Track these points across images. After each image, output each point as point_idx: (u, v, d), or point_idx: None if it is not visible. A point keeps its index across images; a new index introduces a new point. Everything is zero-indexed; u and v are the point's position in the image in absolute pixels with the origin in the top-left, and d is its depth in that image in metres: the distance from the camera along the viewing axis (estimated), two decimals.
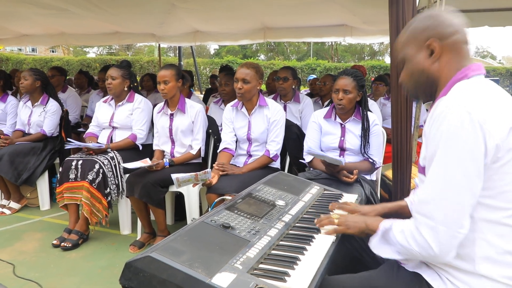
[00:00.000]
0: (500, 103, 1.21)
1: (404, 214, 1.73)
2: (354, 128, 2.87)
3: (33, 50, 34.12)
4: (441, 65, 1.33)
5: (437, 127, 1.19)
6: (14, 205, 4.09)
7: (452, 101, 1.19)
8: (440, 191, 1.18)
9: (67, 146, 3.48)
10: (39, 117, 4.16)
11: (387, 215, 1.77)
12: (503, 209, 1.19)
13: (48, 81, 4.28)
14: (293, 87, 4.14)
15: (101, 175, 3.28)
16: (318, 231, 1.57)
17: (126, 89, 3.63)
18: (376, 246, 1.37)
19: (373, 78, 6.09)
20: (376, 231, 1.40)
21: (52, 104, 4.18)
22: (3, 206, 4.08)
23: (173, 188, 3.18)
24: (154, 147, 3.50)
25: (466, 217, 1.17)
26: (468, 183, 1.15)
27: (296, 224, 1.64)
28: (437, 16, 1.34)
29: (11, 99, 4.52)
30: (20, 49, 30.37)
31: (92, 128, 3.80)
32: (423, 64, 1.35)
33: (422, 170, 1.33)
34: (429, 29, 1.33)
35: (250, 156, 3.15)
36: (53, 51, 34.21)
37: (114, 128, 3.67)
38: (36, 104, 4.19)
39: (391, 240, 1.32)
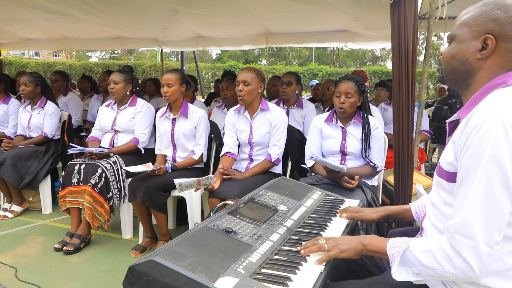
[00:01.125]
0: None
1: (406, 217, 1.71)
2: (355, 131, 2.88)
3: (36, 54, 34.24)
4: (486, 65, 1.25)
5: (478, 140, 1.12)
6: (16, 208, 4.10)
7: (494, 112, 1.12)
8: (483, 210, 1.11)
9: (70, 151, 3.49)
10: (38, 120, 4.19)
11: (389, 217, 1.76)
12: None
13: (46, 84, 4.30)
14: (296, 92, 4.15)
15: (103, 179, 3.29)
16: (320, 236, 1.57)
17: (128, 93, 3.65)
18: (396, 271, 1.25)
19: (368, 84, 6.06)
20: (382, 252, 1.31)
21: (50, 106, 4.20)
22: (5, 210, 4.09)
23: (175, 193, 3.19)
24: (156, 152, 3.51)
25: (502, 234, 1.14)
26: (509, 200, 1.11)
27: (298, 229, 1.64)
28: None
29: (13, 101, 4.56)
30: (23, 53, 30.45)
31: (94, 132, 3.82)
32: (468, 55, 1.26)
33: (445, 176, 1.27)
34: (497, 23, 1.21)
35: (252, 160, 3.16)
36: (56, 55, 34.33)
37: (116, 131, 3.69)
38: (34, 107, 4.22)
39: (409, 261, 1.23)
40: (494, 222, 1.11)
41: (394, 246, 1.28)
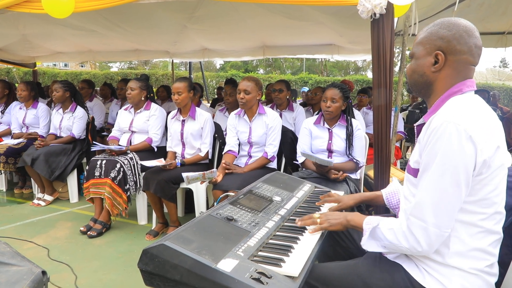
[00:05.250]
0: (489, 121, 1.19)
1: (379, 202, 1.74)
2: (340, 132, 2.87)
3: (65, 65, 33.98)
4: (440, 76, 1.28)
5: (435, 140, 1.16)
6: (48, 197, 4.09)
7: (449, 117, 1.15)
8: (434, 198, 1.16)
9: (93, 148, 3.48)
10: (68, 122, 4.18)
11: (364, 202, 1.78)
12: (479, 213, 1.19)
13: (76, 90, 4.28)
14: (287, 97, 4.13)
15: (121, 173, 3.27)
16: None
17: (143, 98, 3.63)
18: (365, 243, 1.33)
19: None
20: (360, 227, 1.35)
21: (79, 110, 4.18)
22: (39, 199, 4.08)
23: (183, 185, 3.17)
24: (168, 149, 3.49)
25: (452, 220, 1.17)
26: (458, 193, 1.15)
27: (291, 217, 1.63)
28: (458, 29, 1.23)
29: (41, 105, 4.54)
30: (54, 64, 30.27)
31: (114, 132, 3.80)
32: (425, 69, 1.29)
33: (413, 172, 1.29)
34: (444, 40, 1.24)
35: (250, 157, 3.15)
36: (82, 66, 34.15)
37: (133, 132, 3.67)
38: (66, 111, 4.20)
39: (378, 236, 1.29)
40: (442, 208, 1.15)
41: (368, 223, 1.33)
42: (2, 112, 4.78)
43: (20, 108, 4.59)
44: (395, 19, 2.59)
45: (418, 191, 1.21)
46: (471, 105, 1.21)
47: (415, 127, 1.41)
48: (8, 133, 4.69)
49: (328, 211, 1.57)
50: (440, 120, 1.16)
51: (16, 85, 4.95)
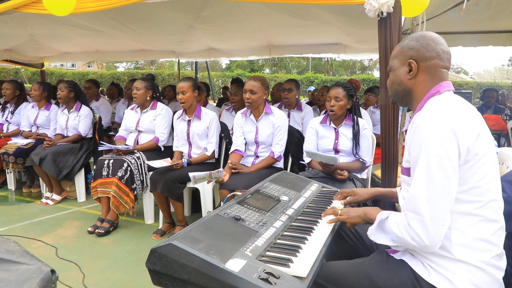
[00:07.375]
0: (467, 113, 1.25)
1: (393, 198, 1.76)
2: (346, 132, 2.86)
3: (72, 65, 34.23)
4: (416, 82, 1.37)
5: (417, 136, 1.22)
6: (56, 197, 4.12)
7: (428, 113, 1.23)
8: (424, 191, 1.19)
9: (100, 148, 3.50)
10: (74, 121, 4.21)
11: (378, 197, 1.81)
12: (474, 202, 1.21)
13: (80, 90, 4.31)
14: (296, 97, 4.12)
15: (129, 172, 3.29)
16: (317, 223, 1.56)
17: (149, 98, 3.64)
18: (373, 233, 1.36)
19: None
20: (374, 219, 1.38)
21: (84, 109, 4.22)
22: (47, 198, 4.11)
23: (190, 184, 3.17)
24: (174, 149, 3.49)
25: (448, 212, 1.19)
26: (447, 183, 1.17)
27: (298, 217, 1.63)
28: (425, 39, 1.35)
29: (54, 107, 4.57)
30: (62, 65, 30.49)
31: (121, 132, 3.82)
32: (401, 78, 1.40)
33: (406, 172, 1.33)
34: (414, 50, 1.36)
35: (257, 157, 3.14)
36: (89, 66, 34.39)
37: (139, 131, 3.68)
38: (71, 110, 4.24)
39: (386, 229, 1.32)
40: (434, 199, 1.17)
41: (380, 216, 1.36)
42: (12, 113, 4.82)
43: (33, 107, 4.62)
44: (402, 18, 2.57)
45: (411, 186, 1.24)
46: (448, 101, 1.28)
47: (404, 132, 1.45)
48: (17, 133, 4.73)
49: (348, 207, 1.59)
50: (421, 117, 1.23)
51: (26, 85, 4.99)
